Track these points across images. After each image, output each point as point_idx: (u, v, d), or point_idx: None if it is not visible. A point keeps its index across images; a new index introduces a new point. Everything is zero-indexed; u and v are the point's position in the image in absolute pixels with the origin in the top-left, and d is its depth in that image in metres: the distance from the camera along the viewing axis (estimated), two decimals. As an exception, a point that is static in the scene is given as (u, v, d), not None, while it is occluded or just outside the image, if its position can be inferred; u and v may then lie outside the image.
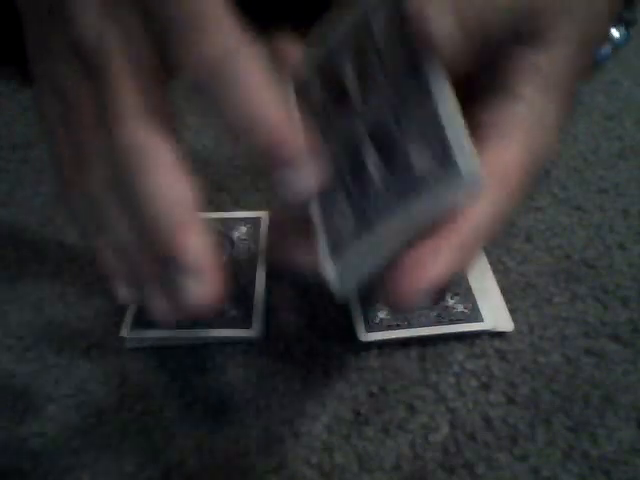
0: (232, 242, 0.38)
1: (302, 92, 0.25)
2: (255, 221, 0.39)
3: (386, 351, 0.32)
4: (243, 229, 0.39)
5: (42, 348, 0.33)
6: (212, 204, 0.42)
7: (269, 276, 0.36)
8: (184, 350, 0.33)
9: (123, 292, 0.23)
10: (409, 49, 0.21)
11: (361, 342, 0.32)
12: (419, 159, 0.20)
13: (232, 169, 0.44)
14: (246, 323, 0.33)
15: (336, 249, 0.22)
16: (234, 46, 0.18)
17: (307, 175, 0.20)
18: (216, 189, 0.43)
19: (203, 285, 0.20)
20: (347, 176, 0.22)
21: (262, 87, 0.19)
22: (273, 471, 0.28)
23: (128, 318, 0.33)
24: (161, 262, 0.20)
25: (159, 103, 0.21)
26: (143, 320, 0.33)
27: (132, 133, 0.20)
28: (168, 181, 0.20)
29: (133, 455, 0.28)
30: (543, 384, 0.31)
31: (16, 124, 0.50)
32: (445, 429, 0.29)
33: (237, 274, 0.36)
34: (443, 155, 0.19)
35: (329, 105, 0.24)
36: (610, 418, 0.29)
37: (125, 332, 0.32)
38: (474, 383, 0.31)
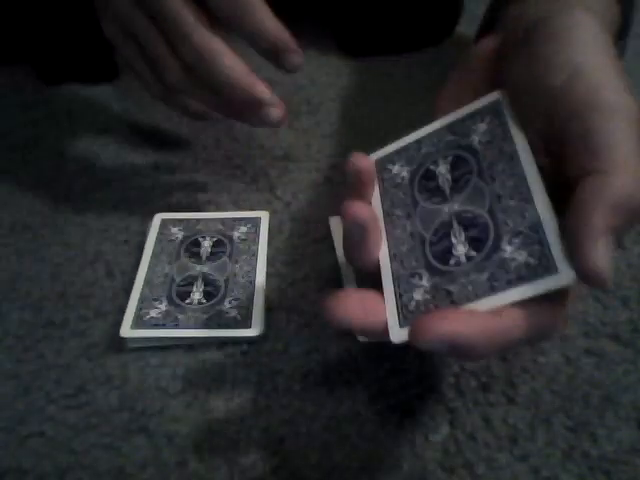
0: (232, 242, 0.38)
1: (384, 174, 0.29)
2: (255, 221, 0.39)
3: (386, 351, 0.32)
4: (243, 229, 0.39)
5: (42, 348, 0.33)
6: (212, 204, 0.42)
7: (269, 276, 0.36)
8: (184, 350, 0.33)
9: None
10: (508, 157, 0.24)
11: (361, 342, 0.32)
12: (515, 253, 0.22)
13: (232, 169, 0.44)
14: (246, 323, 0.33)
15: (408, 319, 0.24)
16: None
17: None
18: (216, 189, 0.43)
19: (278, 110, 0.33)
20: (431, 256, 0.25)
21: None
22: (273, 471, 0.28)
23: (128, 318, 0.33)
24: (244, 104, 0.32)
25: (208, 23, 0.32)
26: (143, 320, 0.33)
27: (203, 41, 0.31)
28: (232, 58, 0.31)
29: (133, 455, 0.28)
30: (543, 384, 0.31)
31: (16, 124, 0.50)
32: (445, 429, 0.29)
33: (237, 274, 0.36)
34: (542, 256, 0.21)
35: (413, 188, 0.27)
36: (610, 418, 0.29)
37: (125, 332, 0.32)
38: (474, 383, 0.31)
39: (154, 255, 0.37)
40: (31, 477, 0.28)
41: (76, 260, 0.38)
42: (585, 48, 0.24)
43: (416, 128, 0.29)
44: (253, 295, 0.34)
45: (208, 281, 0.35)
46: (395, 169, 0.28)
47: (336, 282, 0.35)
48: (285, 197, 0.42)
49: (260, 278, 0.35)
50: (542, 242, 0.22)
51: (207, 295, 0.34)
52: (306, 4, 0.56)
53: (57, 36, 0.50)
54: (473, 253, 0.23)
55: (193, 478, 0.28)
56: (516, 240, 0.22)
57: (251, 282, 0.35)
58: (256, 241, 0.38)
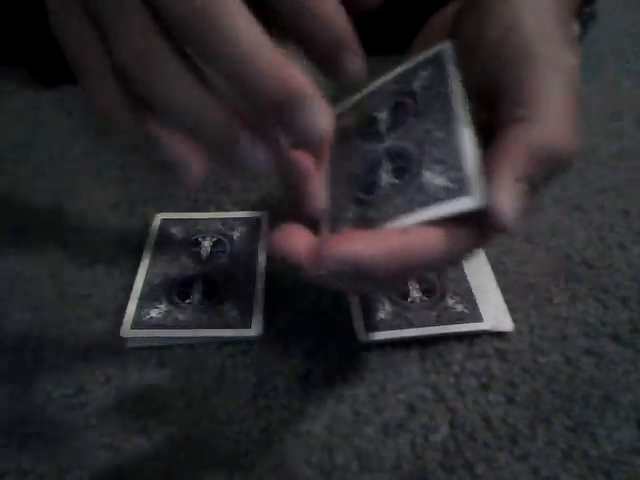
0: (232, 242, 0.38)
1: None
2: (255, 221, 0.39)
3: (386, 351, 0.32)
4: (243, 229, 0.39)
5: (42, 348, 0.33)
6: (212, 204, 0.42)
7: (269, 276, 0.36)
8: (184, 350, 0.33)
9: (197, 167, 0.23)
10: (442, 97, 0.25)
11: (361, 342, 0.32)
12: (434, 178, 0.23)
13: (232, 169, 0.44)
14: (246, 323, 0.33)
15: None
16: None
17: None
18: (216, 189, 0.43)
19: (321, 113, 0.20)
20: (359, 190, 0.25)
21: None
22: (273, 471, 0.28)
23: (128, 318, 0.33)
24: (269, 108, 0.19)
25: None
26: (143, 320, 0.33)
27: None
28: (253, 25, 0.19)
29: (133, 455, 0.28)
30: (543, 384, 0.31)
31: (16, 124, 0.50)
32: (445, 429, 0.29)
33: (237, 274, 0.36)
34: (458, 180, 0.22)
35: (356, 135, 0.27)
36: (610, 418, 0.29)
37: (125, 332, 0.32)
38: (474, 383, 0.31)
39: (154, 255, 0.37)
40: (31, 477, 0.28)
41: (76, 260, 0.38)
42: (527, 2, 0.24)
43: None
44: (253, 295, 0.34)
45: (208, 281, 0.35)
46: (343, 123, 0.29)
47: (336, 282, 0.35)
48: (285, 197, 0.42)
49: (260, 278, 0.35)
50: (460, 167, 0.22)
51: (207, 295, 0.34)
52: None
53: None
54: (396, 181, 0.24)
55: (193, 478, 0.28)
56: (437, 167, 0.23)
57: (251, 282, 0.35)
58: (256, 241, 0.38)
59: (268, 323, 0.33)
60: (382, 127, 0.26)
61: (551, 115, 0.22)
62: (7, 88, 0.54)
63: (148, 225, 0.39)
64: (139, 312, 0.33)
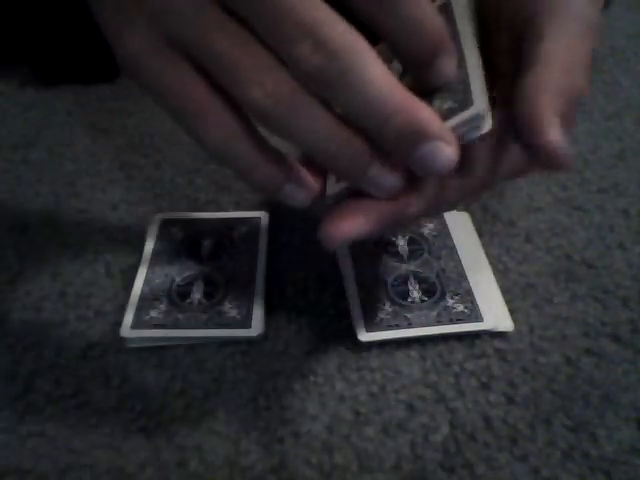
0: (232, 242, 0.38)
1: None
2: (255, 221, 0.39)
3: (386, 351, 0.32)
4: (243, 229, 0.39)
5: (42, 348, 0.33)
6: (212, 204, 0.42)
7: (269, 276, 0.36)
8: (184, 350, 0.33)
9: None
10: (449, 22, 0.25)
11: (361, 342, 0.32)
12: (442, 102, 0.23)
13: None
14: (246, 323, 0.33)
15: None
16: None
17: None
18: (216, 189, 0.43)
19: (450, 147, 0.21)
20: None
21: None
22: (273, 471, 0.28)
23: (128, 318, 0.33)
24: (395, 143, 0.21)
25: None
26: (143, 320, 0.33)
27: (342, 34, 0.20)
28: (384, 69, 0.21)
29: (133, 455, 0.28)
30: (543, 384, 0.31)
31: (16, 124, 0.50)
32: (445, 429, 0.29)
33: (237, 274, 0.36)
34: (464, 98, 0.22)
35: None
36: (610, 418, 0.29)
37: (125, 332, 0.32)
38: (474, 383, 0.31)
39: (154, 255, 0.37)
40: (31, 477, 0.28)
41: (76, 260, 0.38)
42: None
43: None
44: (253, 295, 0.34)
45: (208, 281, 0.35)
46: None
47: (336, 282, 0.35)
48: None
49: (260, 278, 0.35)
50: (468, 89, 0.22)
51: (207, 295, 0.34)
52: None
53: (56, 36, 0.50)
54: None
55: (193, 478, 0.28)
56: (449, 92, 0.23)
57: (251, 282, 0.35)
58: (256, 241, 0.38)
59: (268, 323, 0.33)
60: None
61: (561, 60, 0.23)
62: (7, 88, 0.54)
63: (148, 225, 0.39)
64: (139, 312, 0.33)
